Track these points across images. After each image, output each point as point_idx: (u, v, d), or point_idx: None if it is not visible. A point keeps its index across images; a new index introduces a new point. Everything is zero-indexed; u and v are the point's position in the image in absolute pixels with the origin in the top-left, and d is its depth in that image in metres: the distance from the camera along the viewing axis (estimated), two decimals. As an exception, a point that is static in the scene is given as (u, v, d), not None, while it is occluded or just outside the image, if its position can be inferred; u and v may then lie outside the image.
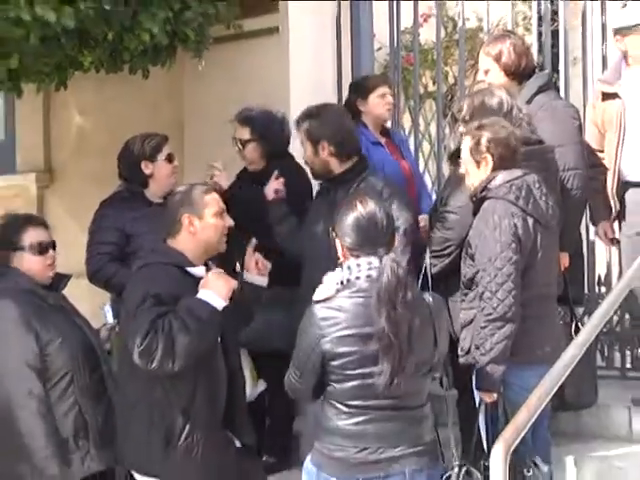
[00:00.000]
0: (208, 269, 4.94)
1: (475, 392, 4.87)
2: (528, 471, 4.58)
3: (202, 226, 4.84)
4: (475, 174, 4.94)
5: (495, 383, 4.65)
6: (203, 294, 4.64)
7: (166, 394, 4.68)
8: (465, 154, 4.98)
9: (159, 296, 4.59)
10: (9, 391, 5.06)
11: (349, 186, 5.42)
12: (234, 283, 4.77)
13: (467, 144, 4.96)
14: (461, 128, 5.18)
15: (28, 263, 5.30)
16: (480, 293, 4.71)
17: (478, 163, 4.92)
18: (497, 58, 5.68)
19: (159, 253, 4.94)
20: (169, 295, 4.65)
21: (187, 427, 4.68)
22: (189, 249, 4.84)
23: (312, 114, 5.68)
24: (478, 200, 4.90)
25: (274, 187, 5.80)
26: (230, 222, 4.96)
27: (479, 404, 4.78)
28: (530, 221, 4.78)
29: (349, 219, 4.40)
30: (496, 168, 4.88)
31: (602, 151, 6.02)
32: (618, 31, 5.98)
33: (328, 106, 5.92)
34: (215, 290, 4.66)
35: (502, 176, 4.83)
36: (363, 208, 4.39)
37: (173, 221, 4.86)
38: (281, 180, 5.83)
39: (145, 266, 4.88)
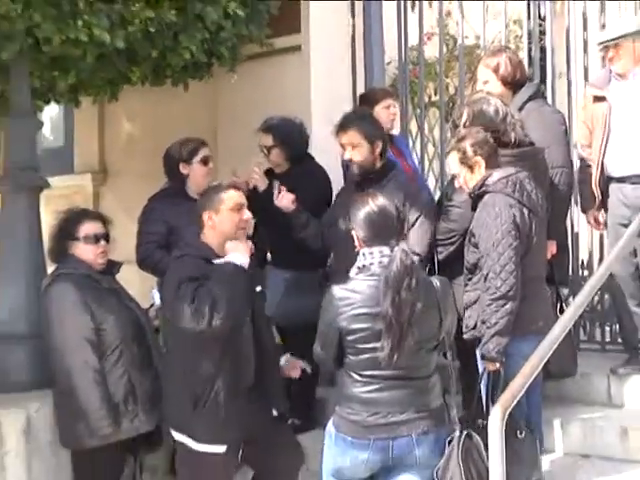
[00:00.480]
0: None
1: (479, 362, 4.86)
2: (521, 433, 4.58)
3: (219, 220, 4.90)
4: (472, 178, 4.96)
5: (499, 353, 4.64)
6: (228, 258, 4.76)
7: (195, 365, 4.72)
8: (455, 167, 5.03)
9: (193, 277, 4.69)
10: (69, 362, 5.11)
11: (380, 182, 5.36)
12: (251, 245, 4.90)
13: (454, 158, 5.02)
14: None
15: (82, 251, 5.36)
16: (485, 275, 4.72)
17: (471, 168, 4.96)
18: (495, 69, 5.67)
19: (191, 247, 4.99)
20: (202, 275, 4.72)
21: (212, 393, 4.72)
22: (214, 242, 4.91)
23: (364, 117, 5.63)
24: (477, 196, 4.90)
25: (288, 199, 5.65)
26: (248, 215, 4.99)
27: (482, 372, 4.76)
28: (525, 211, 4.79)
29: (362, 214, 4.43)
30: (487, 167, 4.89)
31: (590, 146, 5.99)
32: (602, 47, 5.94)
33: (367, 111, 5.86)
34: (237, 252, 4.75)
35: (497, 174, 4.87)
36: (374, 203, 4.44)
37: (199, 219, 4.93)
38: (284, 190, 5.68)
39: (180, 257, 4.94)
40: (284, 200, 5.60)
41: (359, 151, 5.41)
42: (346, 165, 5.75)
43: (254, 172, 6.10)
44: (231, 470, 4.99)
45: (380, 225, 4.41)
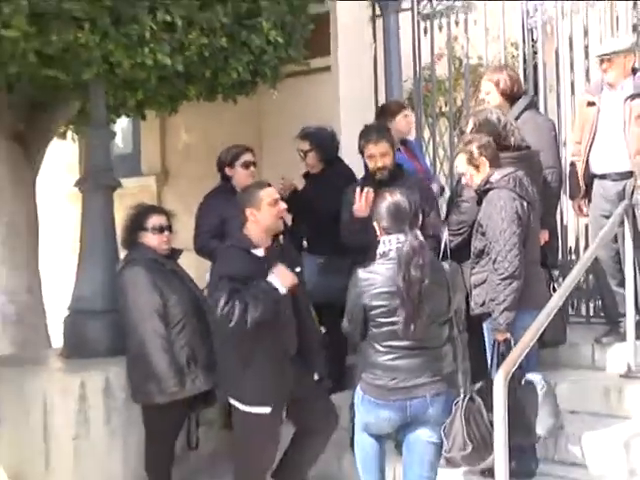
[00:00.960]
0: (279, 243, 5.04)
1: (485, 334, 4.87)
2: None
3: (261, 216, 4.88)
4: (477, 176, 4.95)
5: (507, 325, 4.64)
6: (271, 278, 4.73)
7: (242, 338, 4.74)
8: (463, 167, 5.01)
9: (232, 276, 4.70)
10: (142, 332, 5.19)
11: (397, 181, 5.29)
12: (296, 280, 4.83)
13: (462, 159, 5.00)
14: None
15: (150, 240, 5.41)
16: (493, 259, 4.71)
17: (477, 167, 4.94)
18: (497, 84, 5.66)
19: (235, 239, 5.01)
20: (239, 275, 4.73)
21: (257, 361, 4.75)
22: (255, 234, 4.90)
23: (387, 130, 5.62)
24: (482, 191, 4.90)
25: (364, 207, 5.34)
26: (284, 206, 5.01)
27: (493, 343, 4.75)
28: (525, 204, 4.79)
29: (382, 207, 4.43)
30: (491, 166, 4.90)
31: (581, 143, 5.95)
32: (602, 58, 5.93)
33: (385, 124, 5.82)
34: (281, 278, 4.71)
35: (499, 172, 4.87)
36: (392, 198, 4.43)
37: (243, 214, 4.92)
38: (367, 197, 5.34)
39: (227, 248, 5.00)
40: (362, 212, 5.32)
41: (388, 159, 5.41)
42: (365, 167, 5.70)
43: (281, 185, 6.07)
44: (276, 427, 4.97)
45: (397, 216, 4.40)
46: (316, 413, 5.03)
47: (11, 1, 4.91)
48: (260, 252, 4.91)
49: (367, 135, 5.48)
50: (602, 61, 5.83)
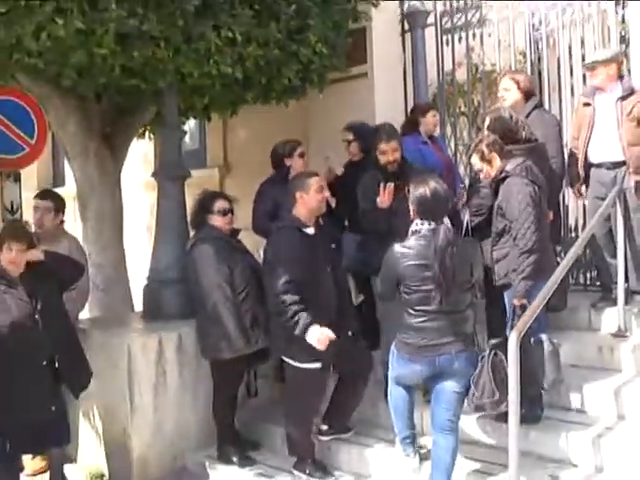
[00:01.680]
0: (319, 224, 5.06)
1: (506, 300, 4.83)
2: (530, 343, 4.53)
3: (308, 198, 4.92)
4: (492, 169, 4.92)
5: (526, 292, 4.61)
6: (310, 334, 4.69)
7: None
8: (478, 165, 4.99)
9: (286, 259, 4.78)
10: (213, 299, 5.21)
11: (406, 171, 5.33)
12: (331, 339, 4.71)
13: (476, 158, 4.97)
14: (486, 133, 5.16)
15: (215, 221, 5.43)
16: (514, 236, 4.67)
17: (490, 162, 4.92)
18: (517, 82, 5.66)
19: (287, 219, 5.04)
20: (290, 255, 4.79)
21: None
22: (302, 214, 4.94)
23: (397, 131, 5.63)
24: (498, 180, 4.87)
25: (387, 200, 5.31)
26: (327, 193, 5.05)
27: (512, 308, 4.70)
28: (536, 188, 4.75)
29: (418, 193, 4.45)
30: (501, 158, 4.88)
31: (578, 138, 5.91)
32: (586, 67, 5.94)
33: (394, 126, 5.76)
34: (315, 337, 4.69)
35: (511, 163, 4.84)
36: (428, 186, 4.44)
37: (293, 197, 4.95)
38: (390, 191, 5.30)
39: (280, 228, 5.04)
40: (386, 202, 5.31)
41: (398, 154, 5.40)
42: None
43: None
44: (325, 380, 5.02)
45: (430, 203, 4.43)
46: (354, 360, 5.05)
47: (102, 25, 4.98)
48: (311, 230, 4.95)
49: (380, 134, 5.48)
50: (588, 69, 5.87)
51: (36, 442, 4.94)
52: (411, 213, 4.52)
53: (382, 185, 5.24)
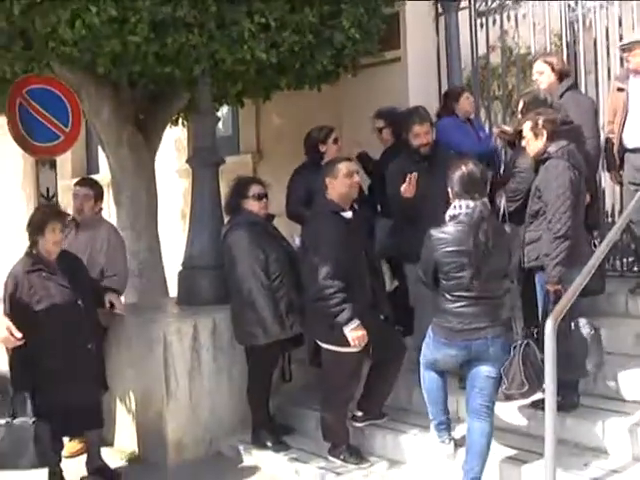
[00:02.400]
0: (354, 209, 5.03)
1: (537, 286, 4.79)
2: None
3: (336, 183, 4.91)
4: (534, 143, 4.85)
5: (558, 278, 4.58)
6: (350, 327, 4.71)
7: None
8: (526, 131, 4.89)
9: (327, 244, 4.77)
10: (249, 285, 5.21)
11: (432, 158, 5.35)
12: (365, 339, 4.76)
13: (528, 125, 4.88)
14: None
15: (251, 206, 5.41)
16: (548, 220, 4.63)
17: (536, 136, 4.83)
18: (551, 65, 5.60)
19: (321, 204, 5.04)
20: (330, 239, 4.78)
21: None
22: (334, 197, 4.92)
23: (429, 114, 5.59)
24: (540, 161, 4.81)
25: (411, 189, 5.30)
26: (357, 179, 5.01)
27: (545, 294, 4.67)
28: (576, 172, 4.70)
29: (457, 174, 4.41)
30: (547, 139, 4.79)
31: (614, 122, 5.85)
32: (622, 48, 5.86)
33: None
34: (355, 336, 4.72)
35: (554, 145, 4.76)
36: (466, 168, 4.41)
37: (324, 182, 4.96)
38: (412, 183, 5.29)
39: (317, 213, 5.05)
40: (408, 193, 5.30)
41: (430, 136, 5.39)
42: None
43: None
44: (361, 365, 5.02)
45: (469, 183, 4.38)
46: (388, 345, 5.04)
47: (136, 12, 5.01)
48: (348, 214, 4.95)
49: (412, 117, 5.46)
50: (624, 50, 5.77)
51: (80, 424, 5.09)
52: (450, 195, 4.48)
53: (408, 176, 5.22)
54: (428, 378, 4.69)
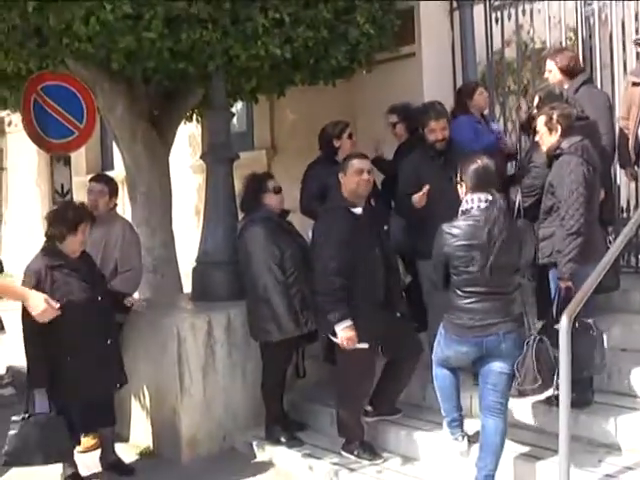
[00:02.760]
0: (369, 205, 5.06)
1: (551, 282, 4.78)
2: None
3: (346, 179, 4.93)
4: (547, 138, 4.84)
5: (571, 274, 4.58)
6: (342, 327, 4.76)
7: None
8: (540, 126, 4.88)
9: (335, 240, 4.79)
10: (264, 281, 5.22)
11: (447, 154, 5.32)
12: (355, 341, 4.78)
13: (542, 119, 4.86)
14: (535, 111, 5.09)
15: (271, 200, 5.43)
16: (562, 217, 4.62)
17: (550, 130, 4.82)
18: (557, 62, 5.59)
19: (334, 200, 5.07)
20: (338, 236, 4.80)
21: (353, 305, 4.79)
22: (346, 194, 4.94)
23: (445, 110, 5.57)
24: (554, 157, 4.80)
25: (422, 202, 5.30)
26: (366, 176, 4.97)
27: (556, 290, 4.67)
28: (590, 169, 4.68)
29: (471, 168, 4.41)
30: (561, 135, 4.78)
31: (628, 118, 5.81)
32: (637, 43, 5.82)
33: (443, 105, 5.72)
34: (345, 336, 4.76)
35: (567, 141, 4.74)
36: (481, 162, 4.41)
37: (337, 178, 5.00)
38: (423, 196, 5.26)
39: (327, 209, 5.08)
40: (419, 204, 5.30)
41: (446, 132, 5.36)
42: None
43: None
44: (373, 360, 5.02)
45: (483, 177, 4.39)
46: (402, 344, 5.05)
47: (150, 9, 5.03)
48: (358, 210, 4.95)
49: (428, 112, 5.44)
50: (638, 45, 5.74)
51: (96, 421, 5.19)
52: (463, 191, 4.47)
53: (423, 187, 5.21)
54: (440, 375, 4.69)
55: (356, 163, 4.98)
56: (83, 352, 4.87)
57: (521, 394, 4.45)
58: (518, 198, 5.09)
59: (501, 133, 6.24)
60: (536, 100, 5.26)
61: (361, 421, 5.09)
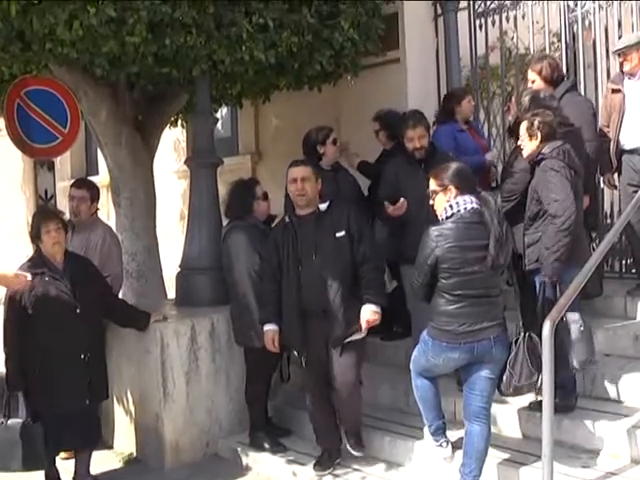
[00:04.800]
0: (317, 211, 4.99)
1: (537, 285, 4.72)
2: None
3: (288, 188, 5.00)
4: (528, 144, 4.82)
5: (556, 272, 4.56)
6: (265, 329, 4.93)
7: None
8: (522, 132, 4.87)
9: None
10: (245, 288, 5.21)
11: (429, 160, 5.26)
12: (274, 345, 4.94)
13: (524, 125, 4.85)
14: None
15: (259, 206, 5.43)
16: (552, 215, 4.58)
17: (531, 137, 4.80)
18: (539, 72, 5.59)
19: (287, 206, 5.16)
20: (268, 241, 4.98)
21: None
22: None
23: (424, 117, 5.50)
24: (535, 162, 4.79)
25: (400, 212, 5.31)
26: (297, 185, 4.89)
27: (540, 290, 4.64)
28: (572, 172, 4.67)
29: (454, 170, 4.41)
30: (542, 141, 4.77)
31: (609, 126, 5.85)
32: (617, 53, 5.85)
33: (422, 113, 5.64)
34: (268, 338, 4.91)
35: (549, 145, 4.73)
36: (456, 164, 4.46)
37: None
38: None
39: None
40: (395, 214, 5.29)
41: (425, 140, 5.32)
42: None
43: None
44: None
45: (467, 178, 4.40)
46: (329, 363, 4.90)
47: (134, 13, 5.01)
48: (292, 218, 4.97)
49: (406, 121, 5.41)
50: (619, 55, 5.76)
51: (72, 440, 5.01)
52: (448, 196, 4.40)
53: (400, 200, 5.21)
54: (421, 386, 4.62)
55: (290, 172, 4.97)
56: (53, 362, 4.81)
57: (516, 391, 4.42)
58: (498, 202, 5.08)
59: (494, 161, 6.21)
60: (523, 103, 5.23)
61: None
